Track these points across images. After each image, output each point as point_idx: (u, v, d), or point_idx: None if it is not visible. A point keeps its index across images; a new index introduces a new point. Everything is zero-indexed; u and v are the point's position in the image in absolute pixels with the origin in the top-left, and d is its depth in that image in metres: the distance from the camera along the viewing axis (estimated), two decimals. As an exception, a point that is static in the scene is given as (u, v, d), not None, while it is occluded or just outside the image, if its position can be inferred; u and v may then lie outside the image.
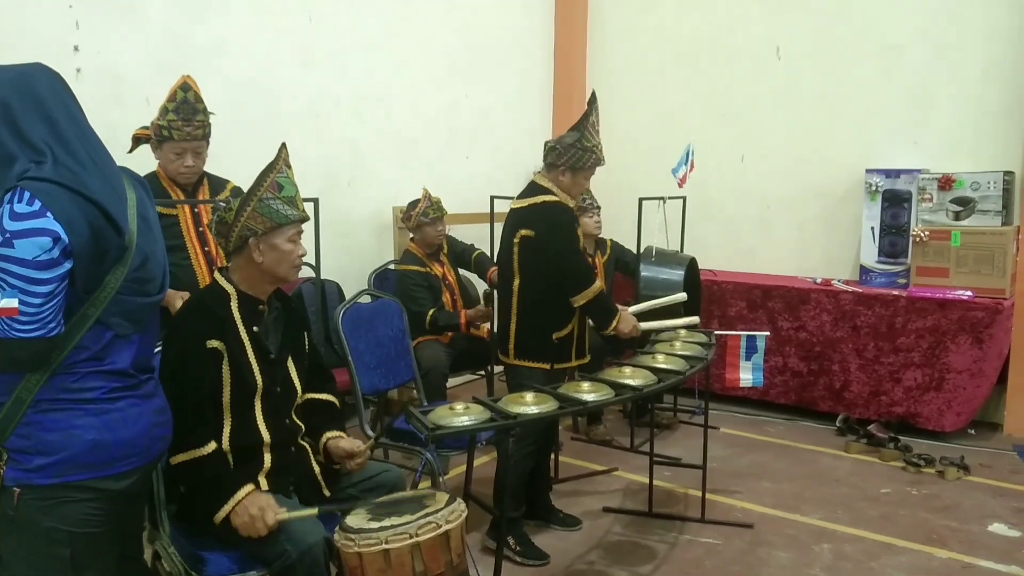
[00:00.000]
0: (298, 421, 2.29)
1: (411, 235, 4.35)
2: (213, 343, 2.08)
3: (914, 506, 3.64)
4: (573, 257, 3.04)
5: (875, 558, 3.15)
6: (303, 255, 2.21)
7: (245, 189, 2.20)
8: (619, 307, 3.15)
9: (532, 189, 3.12)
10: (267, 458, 2.16)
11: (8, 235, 1.49)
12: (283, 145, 2.20)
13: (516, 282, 3.10)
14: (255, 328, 2.17)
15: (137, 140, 3.11)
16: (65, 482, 1.61)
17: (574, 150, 3.01)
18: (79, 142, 1.63)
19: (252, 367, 2.14)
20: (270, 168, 2.14)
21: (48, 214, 1.51)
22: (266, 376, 2.17)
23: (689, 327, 3.34)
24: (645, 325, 3.18)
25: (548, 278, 3.03)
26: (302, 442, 2.29)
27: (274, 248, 2.12)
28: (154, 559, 2.19)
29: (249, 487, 2.02)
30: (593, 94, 3.13)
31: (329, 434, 2.32)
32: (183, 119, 2.99)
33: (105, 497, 1.66)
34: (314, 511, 2.04)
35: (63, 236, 1.52)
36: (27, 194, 1.51)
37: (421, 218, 4.20)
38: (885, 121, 5.08)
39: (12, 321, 1.50)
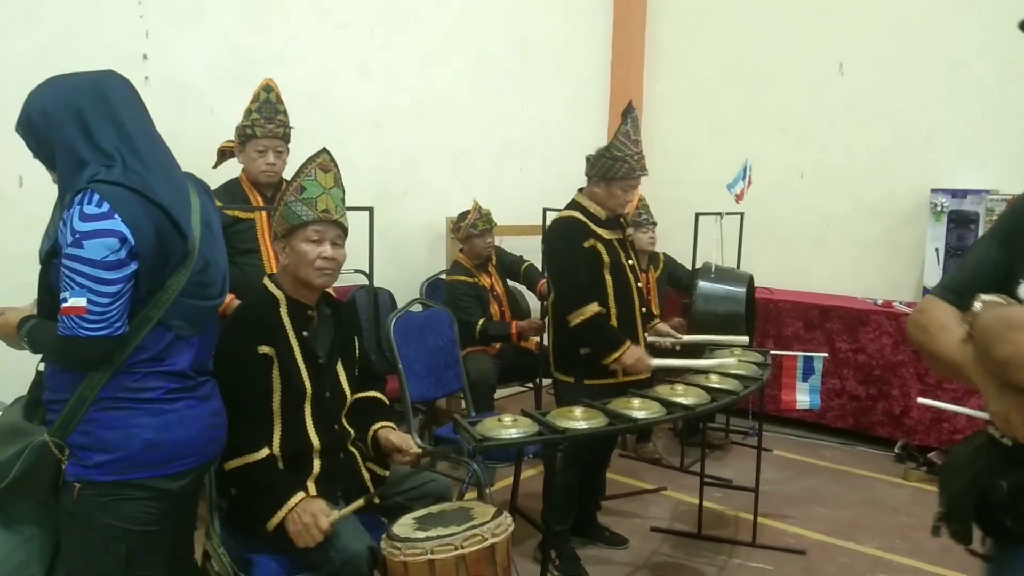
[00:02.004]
0: (347, 427, 2.30)
1: (460, 246, 4.37)
2: (263, 348, 2.09)
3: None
4: (564, 274, 2.99)
5: (935, 592, 3.04)
6: (328, 257, 2.12)
7: None
8: (638, 340, 3.00)
9: (568, 204, 3.12)
10: (316, 464, 2.16)
11: (78, 236, 1.53)
12: (323, 150, 2.18)
13: (551, 296, 3.11)
14: (304, 333, 2.19)
15: (222, 154, 3.20)
16: (123, 480, 1.64)
17: (603, 159, 2.99)
18: (147, 148, 1.67)
19: (301, 372, 2.15)
20: (298, 173, 2.16)
21: (116, 216, 1.54)
22: (315, 381, 2.18)
23: (717, 371, 2.86)
24: (657, 362, 2.96)
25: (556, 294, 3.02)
26: (351, 448, 2.30)
27: (293, 250, 2.13)
28: (204, 559, 2.22)
29: (300, 495, 2.02)
30: (629, 104, 3.08)
31: (380, 423, 2.31)
32: (265, 117, 3.11)
33: (160, 496, 1.69)
34: (359, 503, 2.06)
35: (130, 238, 1.56)
36: (96, 196, 1.55)
37: (470, 230, 4.22)
38: (951, 140, 4.92)
39: (80, 320, 1.54)
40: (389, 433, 2.30)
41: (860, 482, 4.17)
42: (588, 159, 3.06)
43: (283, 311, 2.17)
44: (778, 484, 4.06)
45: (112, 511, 1.64)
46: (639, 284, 3.15)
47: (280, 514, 1.98)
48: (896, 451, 4.45)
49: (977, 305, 1.26)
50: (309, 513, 1.97)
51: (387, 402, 2.45)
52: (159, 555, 1.75)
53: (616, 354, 2.90)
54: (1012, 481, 1.27)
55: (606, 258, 3.00)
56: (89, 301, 1.54)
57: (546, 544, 2.74)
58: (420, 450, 2.31)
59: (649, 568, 3.18)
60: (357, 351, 2.40)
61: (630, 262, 3.12)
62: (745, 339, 3.30)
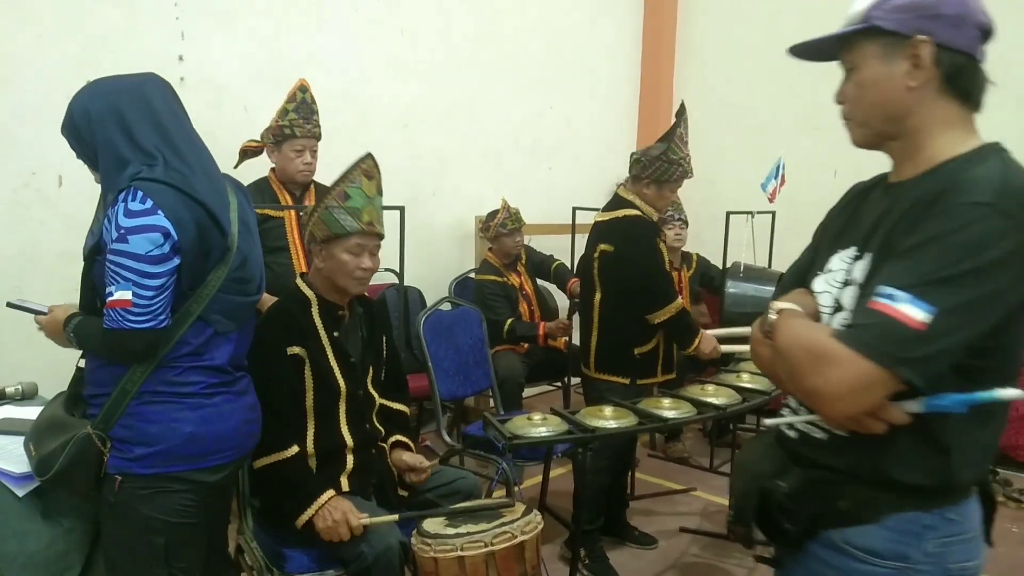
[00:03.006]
0: (378, 425, 2.32)
1: (489, 245, 4.38)
2: (294, 349, 2.11)
3: (1014, 544, 3.42)
4: (651, 273, 2.97)
5: (971, 598, 2.98)
6: (367, 268, 2.14)
7: None
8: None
9: (615, 202, 3.09)
10: (349, 460, 2.19)
11: (123, 231, 1.56)
12: (368, 155, 2.15)
13: (597, 296, 3.07)
14: (335, 333, 2.20)
15: (244, 154, 3.24)
16: (163, 472, 1.67)
17: (660, 162, 2.96)
18: (187, 148, 1.71)
19: (334, 371, 2.17)
20: (342, 177, 2.12)
21: (159, 212, 1.58)
22: (349, 380, 2.20)
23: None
24: (726, 348, 3.10)
25: (628, 294, 2.99)
26: (381, 444, 2.32)
27: (332, 257, 2.12)
28: (237, 552, 2.25)
29: (330, 492, 2.04)
30: (682, 105, 3.07)
31: (394, 438, 2.34)
32: (303, 118, 3.15)
33: (199, 489, 1.72)
34: (394, 517, 2.06)
35: (173, 233, 1.59)
36: (140, 193, 1.58)
37: (499, 229, 4.23)
38: (995, 138, 4.77)
39: (126, 312, 1.58)
40: (402, 453, 2.29)
41: (893, 485, 4.11)
42: (639, 160, 3.02)
43: (315, 311, 2.19)
44: (809, 486, 4.01)
45: (152, 503, 1.67)
46: None
47: (310, 511, 2.00)
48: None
49: (772, 315, 1.24)
50: (340, 511, 2.00)
51: (408, 415, 2.44)
52: (196, 547, 1.78)
53: (696, 341, 3.01)
54: (792, 481, 1.22)
55: (667, 257, 3.05)
56: (134, 294, 1.57)
57: (575, 542, 2.75)
58: (431, 464, 2.31)
59: (678, 568, 3.17)
60: (385, 351, 2.41)
61: None
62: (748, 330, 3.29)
